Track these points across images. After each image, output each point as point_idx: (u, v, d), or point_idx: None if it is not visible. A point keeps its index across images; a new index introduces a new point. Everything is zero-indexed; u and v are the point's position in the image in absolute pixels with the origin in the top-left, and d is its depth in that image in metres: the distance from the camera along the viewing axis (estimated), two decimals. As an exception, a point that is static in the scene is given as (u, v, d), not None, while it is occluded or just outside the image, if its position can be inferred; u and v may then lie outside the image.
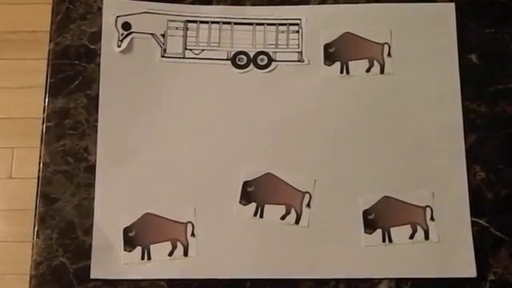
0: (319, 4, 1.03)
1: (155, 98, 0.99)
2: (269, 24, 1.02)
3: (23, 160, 1.96)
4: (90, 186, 0.96)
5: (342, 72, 1.00)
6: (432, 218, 0.95)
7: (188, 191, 0.96)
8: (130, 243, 0.95)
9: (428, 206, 0.95)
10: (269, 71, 1.00)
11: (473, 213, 0.95)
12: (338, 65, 1.01)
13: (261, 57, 1.01)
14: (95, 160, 0.97)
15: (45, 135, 0.98)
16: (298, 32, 1.02)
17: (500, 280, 0.93)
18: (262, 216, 0.95)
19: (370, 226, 0.95)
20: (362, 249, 0.94)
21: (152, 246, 0.95)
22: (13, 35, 2.06)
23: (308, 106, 0.99)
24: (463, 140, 0.97)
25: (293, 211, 0.95)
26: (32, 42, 2.01)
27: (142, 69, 1.00)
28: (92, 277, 0.93)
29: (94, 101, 0.99)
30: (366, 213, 0.95)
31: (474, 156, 0.97)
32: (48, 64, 1.01)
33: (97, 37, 1.01)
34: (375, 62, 1.00)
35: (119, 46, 1.00)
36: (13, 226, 1.92)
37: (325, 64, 1.01)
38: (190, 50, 1.01)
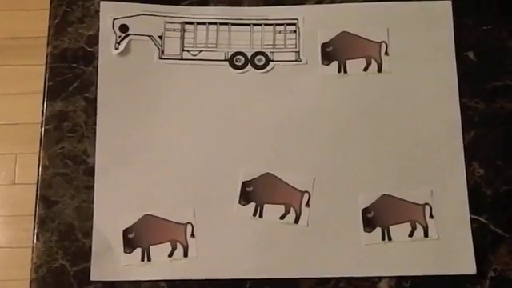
0: (316, 4, 1.03)
1: (153, 100, 0.99)
2: (266, 24, 1.02)
3: (26, 166, 1.96)
4: (90, 188, 0.97)
5: (339, 71, 1.00)
6: (431, 216, 0.95)
7: (187, 192, 0.96)
8: (129, 245, 0.95)
9: (427, 204, 0.95)
10: (266, 71, 1.01)
11: (472, 210, 0.95)
12: (335, 64, 1.01)
13: (258, 57, 1.01)
14: (94, 162, 0.97)
15: (44, 138, 0.99)
16: (295, 32, 1.02)
17: (500, 277, 0.93)
18: (261, 216, 0.96)
19: (369, 224, 0.95)
20: (361, 247, 0.94)
21: (152, 247, 0.95)
22: (15, 41, 2.07)
23: (306, 105, 0.99)
24: (461, 137, 0.97)
25: (292, 211, 0.95)
26: (34, 47, 2.00)
27: (139, 71, 1.00)
28: (92, 279, 0.94)
29: (92, 103, 0.99)
30: (365, 211, 0.95)
31: (472, 153, 0.97)
32: (46, 67, 1.02)
33: (94, 39, 1.02)
34: (373, 60, 1.00)
35: (117, 49, 1.01)
36: (17, 232, 1.92)
37: (322, 63, 1.01)
38: (188, 51, 1.01)
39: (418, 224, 0.94)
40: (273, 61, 1.01)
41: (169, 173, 0.97)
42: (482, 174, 0.96)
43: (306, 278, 0.94)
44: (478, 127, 0.98)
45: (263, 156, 0.98)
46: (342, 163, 0.97)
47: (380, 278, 0.93)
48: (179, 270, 0.94)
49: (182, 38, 1.02)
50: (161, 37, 1.02)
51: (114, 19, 1.02)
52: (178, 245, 0.95)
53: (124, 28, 1.01)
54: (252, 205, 0.96)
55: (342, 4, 1.03)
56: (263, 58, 1.01)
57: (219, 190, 0.96)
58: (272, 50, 1.01)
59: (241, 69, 1.01)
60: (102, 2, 1.03)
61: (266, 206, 0.96)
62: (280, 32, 1.02)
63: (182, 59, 1.01)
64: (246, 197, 0.96)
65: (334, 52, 1.01)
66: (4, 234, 1.93)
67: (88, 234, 0.95)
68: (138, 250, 0.95)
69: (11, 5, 2.09)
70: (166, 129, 0.99)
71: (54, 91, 1.00)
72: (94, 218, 0.96)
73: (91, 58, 1.01)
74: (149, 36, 1.01)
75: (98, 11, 1.02)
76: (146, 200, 0.96)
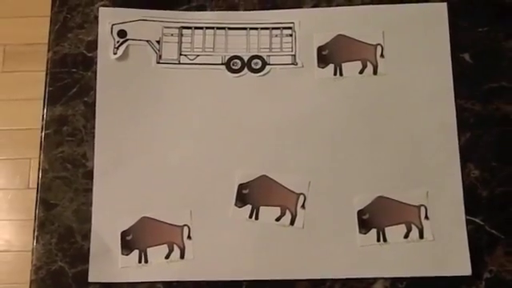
0: (312, 7, 1.03)
1: (151, 104, 1.01)
2: (262, 28, 1.03)
3: (40, 170, 1.98)
4: (88, 191, 0.98)
5: (335, 74, 1.01)
6: (426, 217, 0.95)
7: (184, 194, 0.97)
8: (127, 247, 0.96)
9: (422, 205, 0.95)
10: (263, 75, 1.01)
11: (467, 211, 0.95)
12: (331, 67, 1.01)
13: (255, 61, 1.02)
14: (93, 166, 0.99)
15: (44, 142, 1.00)
16: (291, 35, 1.03)
17: (495, 278, 0.93)
18: (257, 218, 0.96)
19: (364, 226, 0.95)
20: (357, 249, 0.95)
21: (149, 249, 0.96)
22: (29, 47, 2.09)
23: (302, 108, 1.00)
24: (457, 139, 0.97)
25: (288, 212, 0.96)
26: (38, 53, 2.03)
27: (137, 75, 1.02)
28: (90, 280, 0.95)
29: (91, 108, 1.01)
30: (360, 213, 0.95)
31: (468, 154, 0.97)
32: (46, 73, 1.03)
33: (93, 45, 1.03)
34: (368, 63, 1.01)
35: (115, 54, 1.02)
36: (32, 236, 1.93)
37: (318, 66, 1.01)
38: (185, 55, 1.02)
39: (413, 225, 0.95)
40: (269, 64, 1.02)
41: (166, 176, 0.98)
42: (477, 176, 0.96)
43: (302, 280, 0.94)
44: (474, 128, 0.98)
45: (259, 158, 0.98)
46: (337, 165, 0.97)
47: (375, 280, 0.94)
48: (176, 271, 0.95)
49: (180, 42, 1.03)
50: (158, 41, 1.03)
51: (113, 25, 1.03)
52: (175, 247, 0.95)
53: (122, 33, 1.02)
54: (248, 207, 0.97)
55: (338, 7, 1.03)
56: (260, 62, 1.02)
57: (216, 193, 0.97)
58: (268, 53, 1.02)
59: (237, 72, 1.02)
60: (100, 8, 1.04)
61: (261, 208, 0.96)
62: (276, 36, 1.03)
63: (179, 63, 1.02)
64: (242, 199, 0.97)
65: (330, 55, 1.02)
66: (21, 239, 1.96)
67: (86, 236, 0.96)
68: (136, 252, 0.96)
69: (14, 12, 2.11)
70: (164, 132, 1.00)
71: (55, 96, 1.02)
72: (93, 221, 0.97)
73: (90, 63, 1.02)
74: (147, 41, 1.03)
75: (97, 17, 1.04)
76: (144, 203, 0.97)
